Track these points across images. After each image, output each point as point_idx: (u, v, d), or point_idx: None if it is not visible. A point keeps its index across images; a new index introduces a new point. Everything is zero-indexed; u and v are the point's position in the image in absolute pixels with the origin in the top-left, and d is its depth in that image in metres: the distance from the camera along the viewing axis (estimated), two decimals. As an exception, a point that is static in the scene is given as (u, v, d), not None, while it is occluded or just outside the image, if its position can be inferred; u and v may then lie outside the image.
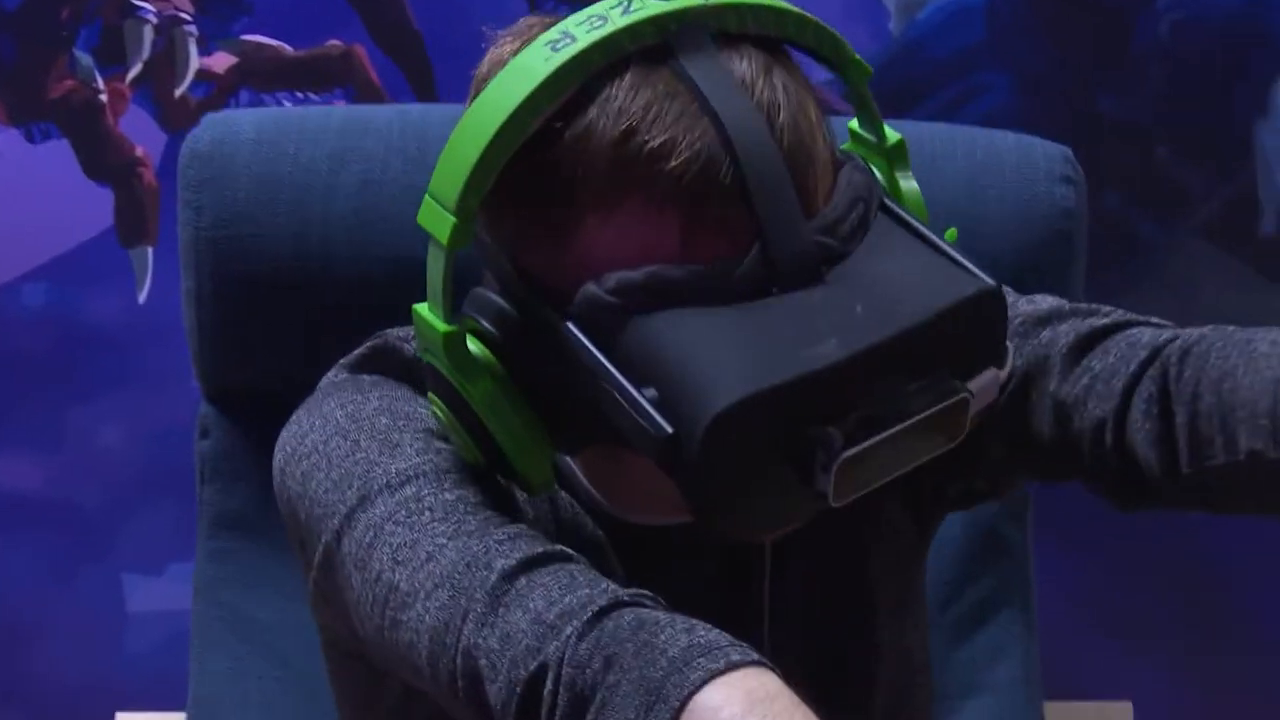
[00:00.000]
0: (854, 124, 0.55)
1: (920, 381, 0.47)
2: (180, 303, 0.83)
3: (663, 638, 0.42)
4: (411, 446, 0.53)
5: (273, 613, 0.86)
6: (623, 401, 0.45)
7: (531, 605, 0.44)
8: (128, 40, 1.06)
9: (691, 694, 0.40)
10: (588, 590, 0.45)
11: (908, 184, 0.55)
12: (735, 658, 0.41)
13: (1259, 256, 1.14)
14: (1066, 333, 0.60)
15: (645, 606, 0.45)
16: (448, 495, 0.51)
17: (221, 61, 1.07)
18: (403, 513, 0.50)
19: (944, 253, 0.51)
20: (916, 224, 0.52)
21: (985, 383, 0.49)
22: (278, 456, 0.59)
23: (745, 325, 0.47)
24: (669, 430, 0.44)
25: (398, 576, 0.49)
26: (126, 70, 1.06)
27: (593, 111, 0.47)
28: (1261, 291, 1.12)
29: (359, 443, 0.54)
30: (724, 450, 0.44)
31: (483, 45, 0.53)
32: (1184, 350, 0.54)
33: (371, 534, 0.50)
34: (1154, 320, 0.59)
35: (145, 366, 1.06)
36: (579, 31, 0.46)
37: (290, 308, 0.81)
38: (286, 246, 0.80)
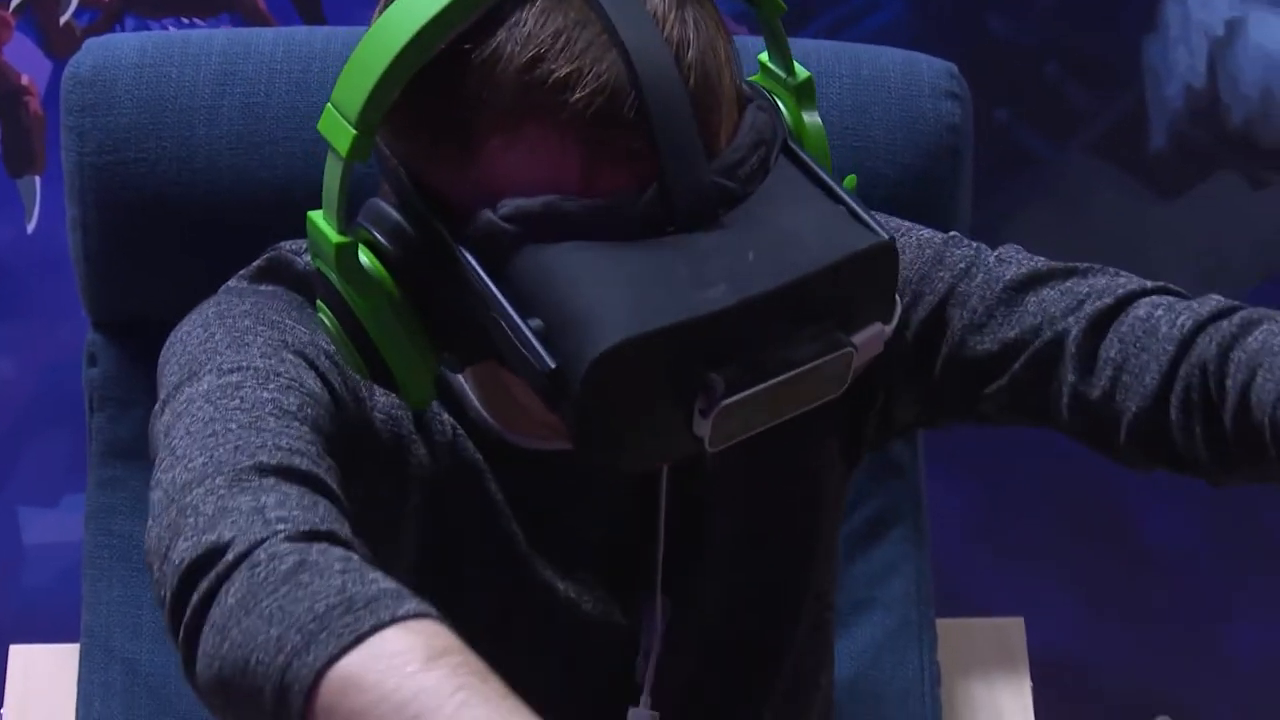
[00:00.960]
0: (764, 57, 0.55)
1: (807, 331, 0.48)
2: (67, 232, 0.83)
3: (368, 575, 0.41)
4: (259, 350, 0.54)
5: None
6: (509, 332, 0.46)
7: (264, 500, 0.44)
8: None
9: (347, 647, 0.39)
10: (323, 514, 0.45)
11: (812, 120, 0.56)
12: (415, 610, 0.41)
13: (1148, 171, 1.16)
14: (1066, 312, 0.60)
15: (355, 550, 0.45)
16: (264, 394, 0.51)
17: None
18: (217, 393, 0.51)
19: (842, 201, 0.52)
20: (818, 169, 0.52)
21: (870, 335, 0.50)
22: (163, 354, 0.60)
23: (636, 263, 0.47)
24: (551, 365, 0.44)
25: (177, 442, 0.49)
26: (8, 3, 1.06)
27: (501, 34, 0.47)
28: (1150, 204, 1.14)
29: (214, 335, 0.54)
30: (606, 388, 0.44)
31: None
32: (1222, 351, 0.54)
33: (184, 405, 0.51)
34: (1149, 286, 0.58)
35: (34, 297, 1.06)
36: None
37: (176, 233, 0.81)
38: (170, 171, 0.80)
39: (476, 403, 0.59)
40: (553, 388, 0.45)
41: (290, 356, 0.54)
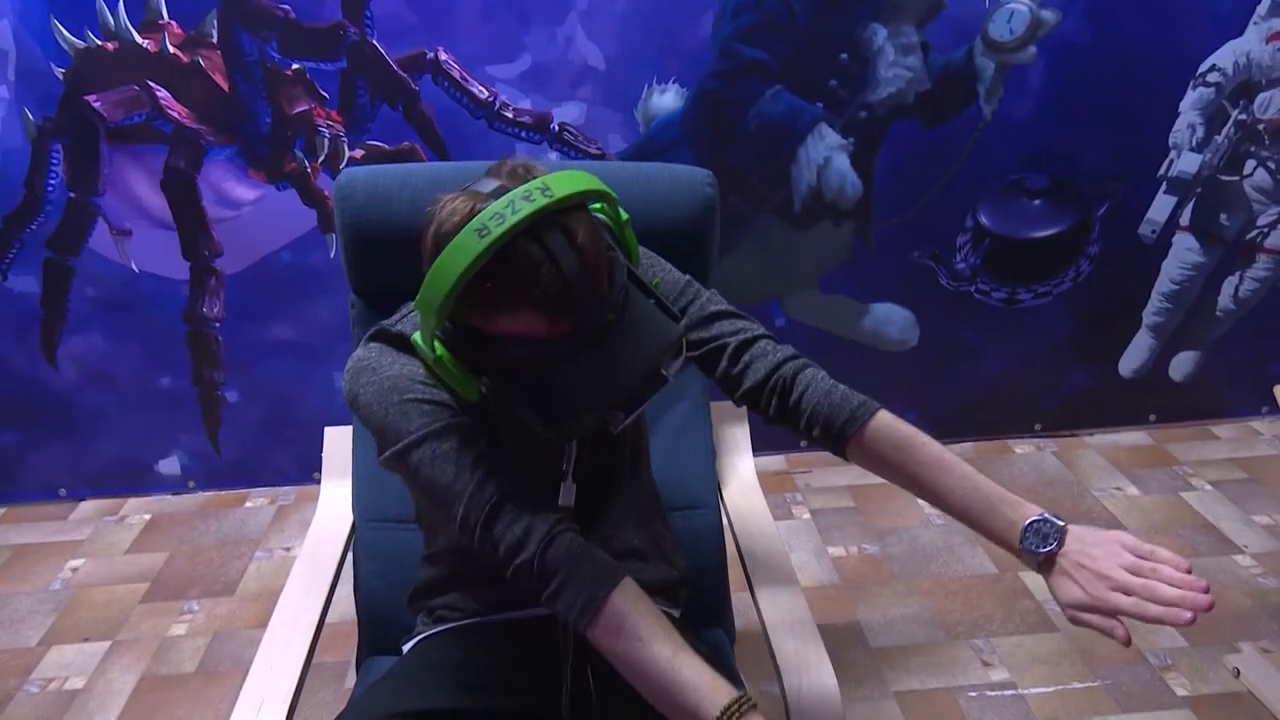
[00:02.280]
0: (620, 213, 0.97)
1: (654, 382, 0.94)
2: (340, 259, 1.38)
3: (585, 562, 0.91)
4: (417, 416, 0.99)
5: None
6: (529, 402, 0.91)
7: (509, 531, 0.95)
8: (316, 145, 2.34)
9: (605, 599, 0.90)
10: (535, 520, 0.95)
11: (630, 237, 0.99)
12: (619, 577, 0.92)
13: (793, 220, 2.44)
14: (729, 333, 1.09)
15: (568, 533, 0.95)
16: (444, 446, 0.98)
17: (358, 154, 2.36)
18: (427, 459, 0.98)
19: (655, 299, 0.95)
20: (641, 280, 0.95)
21: (677, 365, 0.96)
22: (346, 394, 1.05)
23: (578, 370, 0.88)
24: (544, 425, 0.91)
25: (435, 490, 0.97)
26: (318, 158, 2.35)
27: (501, 268, 0.85)
28: (793, 234, 2.45)
29: (385, 409, 1.00)
30: (568, 428, 0.92)
31: (427, 209, 0.92)
32: (794, 374, 1.06)
33: (414, 467, 0.98)
34: (767, 333, 1.10)
35: (334, 281, 2.32)
36: (492, 225, 0.84)
37: (382, 251, 1.34)
38: (379, 223, 1.33)
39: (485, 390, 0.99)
40: (547, 431, 0.91)
41: (426, 408, 1.00)
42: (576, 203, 0.90)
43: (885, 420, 1.04)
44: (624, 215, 0.97)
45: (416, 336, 0.95)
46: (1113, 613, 0.92)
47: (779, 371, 1.07)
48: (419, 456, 0.98)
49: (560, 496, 1.06)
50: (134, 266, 2.40)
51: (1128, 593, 0.91)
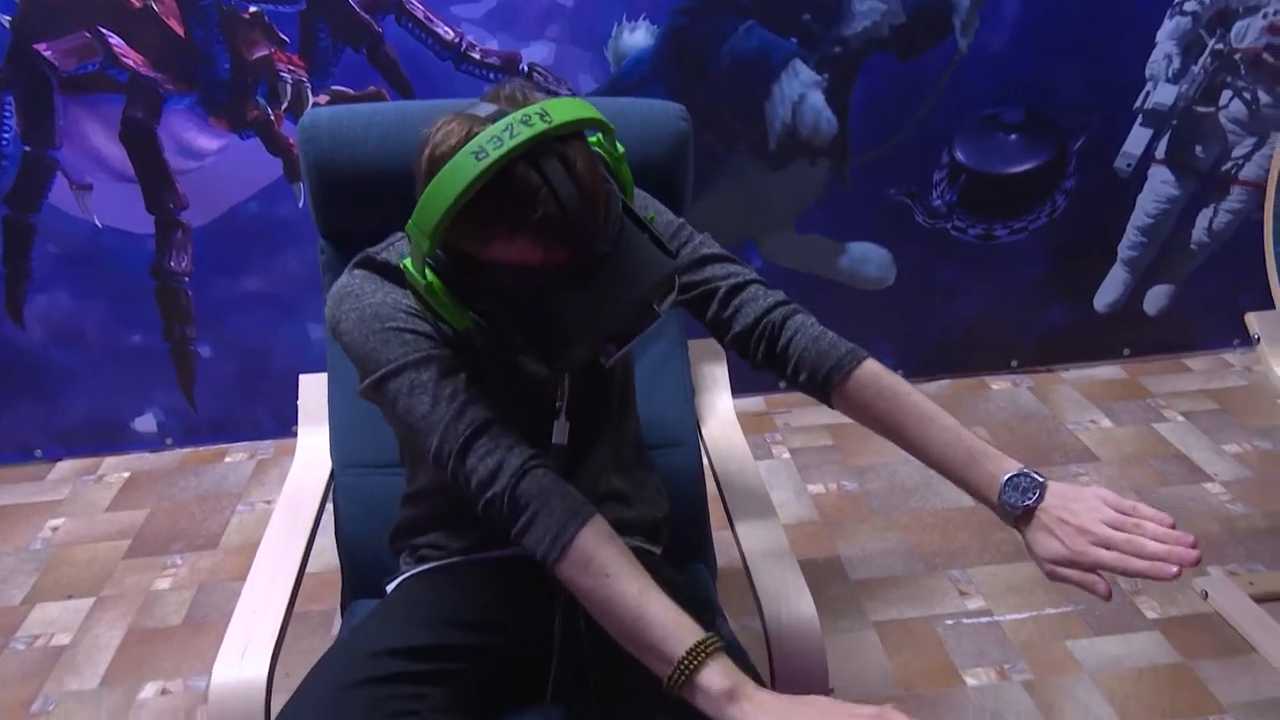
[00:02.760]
0: (617, 147, 0.96)
1: (648, 313, 0.93)
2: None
3: (555, 498, 0.91)
4: (398, 345, 0.98)
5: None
6: (522, 330, 0.91)
7: (482, 464, 0.93)
8: (279, 91, 2.29)
9: (574, 536, 0.90)
10: (507, 454, 0.93)
11: (625, 171, 0.97)
12: (589, 514, 0.92)
13: (768, 159, 2.42)
14: (721, 277, 1.08)
15: (540, 469, 0.92)
16: (423, 377, 0.97)
17: (322, 99, 2.31)
18: (405, 389, 0.97)
19: (650, 233, 0.93)
20: (639, 217, 0.94)
21: (669, 300, 0.96)
22: (329, 320, 1.03)
23: (572, 299, 0.88)
24: (544, 351, 0.90)
25: (411, 420, 0.97)
26: (281, 104, 2.29)
27: (497, 192, 0.84)
28: (768, 173, 2.44)
29: (367, 336, 0.99)
30: (566, 358, 0.91)
31: (421, 131, 0.90)
32: (783, 320, 1.06)
33: (392, 397, 0.98)
34: (758, 278, 1.09)
35: (304, 228, 2.31)
36: (490, 148, 0.83)
37: (348, 193, 1.33)
38: (345, 165, 1.32)
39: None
40: (536, 355, 0.91)
41: (408, 337, 0.98)
42: (575, 130, 0.88)
43: (871, 369, 1.04)
44: (620, 149, 0.96)
45: (407, 263, 0.93)
46: (1093, 567, 0.91)
47: (768, 316, 1.07)
48: (397, 386, 0.97)
49: (554, 434, 1.06)
50: (97, 221, 2.36)
51: (1109, 547, 0.90)
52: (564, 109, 0.87)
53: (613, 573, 0.89)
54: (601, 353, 0.94)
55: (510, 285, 0.89)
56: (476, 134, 0.85)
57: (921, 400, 1.02)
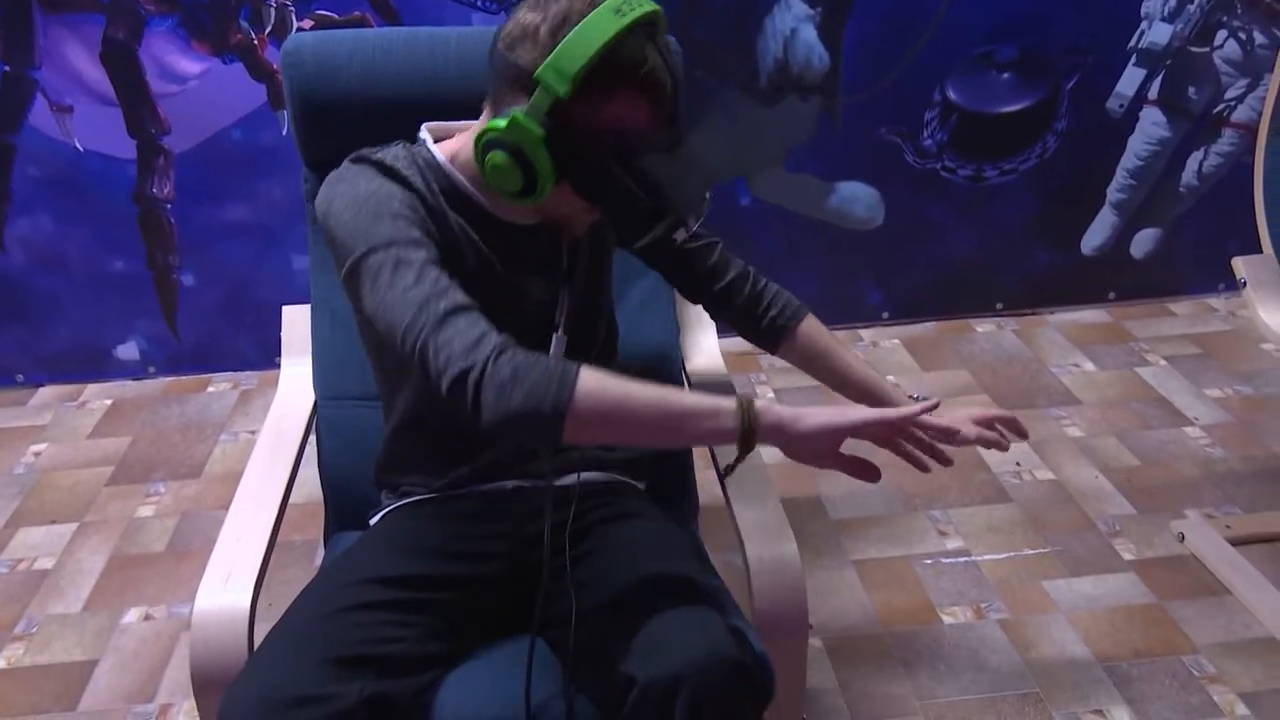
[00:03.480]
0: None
1: (704, 202, 1.01)
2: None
3: (542, 360, 0.87)
4: (389, 224, 0.95)
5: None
6: (623, 180, 0.95)
7: (459, 336, 0.87)
8: (263, 15, 2.24)
9: (577, 374, 0.86)
10: (488, 331, 0.88)
11: None
12: (580, 364, 0.87)
13: (759, 95, 2.39)
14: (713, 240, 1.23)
15: (523, 350, 0.88)
16: (411, 256, 0.92)
17: (306, 24, 2.26)
18: (390, 263, 0.92)
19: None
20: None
21: (707, 204, 1.02)
22: (319, 203, 1.00)
23: (669, 164, 0.97)
24: (642, 211, 0.96)
25: (390, 295, 0.90)
26: (264, 29, 2.25)
27: (628, 53, 0.92)
28: (759, 110, 2.40)
29: (358, 214, 0.96)
30: (651, 224, 0.97)
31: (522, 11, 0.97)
32: (767, 300, 1.24)
33: (374, 270, 0.92)
34: (749, 269, 1.25)
35: (289, 155, 2.30)
36: (626, 8, 0.91)
37: (333, 119, 1.31)
38: (331, 91, 1.30)
39: (483, 201, 1.04)
40: (647, 214, 0.96)
41: (401, 221, 0.95)
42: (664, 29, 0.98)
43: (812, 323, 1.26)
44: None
45: (518, 113, 0.94)
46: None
47: (763, 293, 1.26)
48: (380, 260, 0.91)
49: (552, 348, 1.07)
50: (78, 144, 2.32)
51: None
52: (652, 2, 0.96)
53: (630, 388, 0.89)
54: (683, 224, 0.99)
55: (615, 145, 0.95)
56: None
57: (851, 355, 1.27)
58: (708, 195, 1.02)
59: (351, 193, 0.97)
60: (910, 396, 1.26)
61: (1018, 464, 2.16)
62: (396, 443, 1.20)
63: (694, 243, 1.21)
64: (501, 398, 0.84)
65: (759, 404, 0.93)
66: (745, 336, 1.27)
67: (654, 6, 0.94)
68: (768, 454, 2.20)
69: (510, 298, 1.06)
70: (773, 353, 1.27)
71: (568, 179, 0.97)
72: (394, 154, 1.04)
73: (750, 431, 0.92)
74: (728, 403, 0.92)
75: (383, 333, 0.91)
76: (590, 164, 0.96)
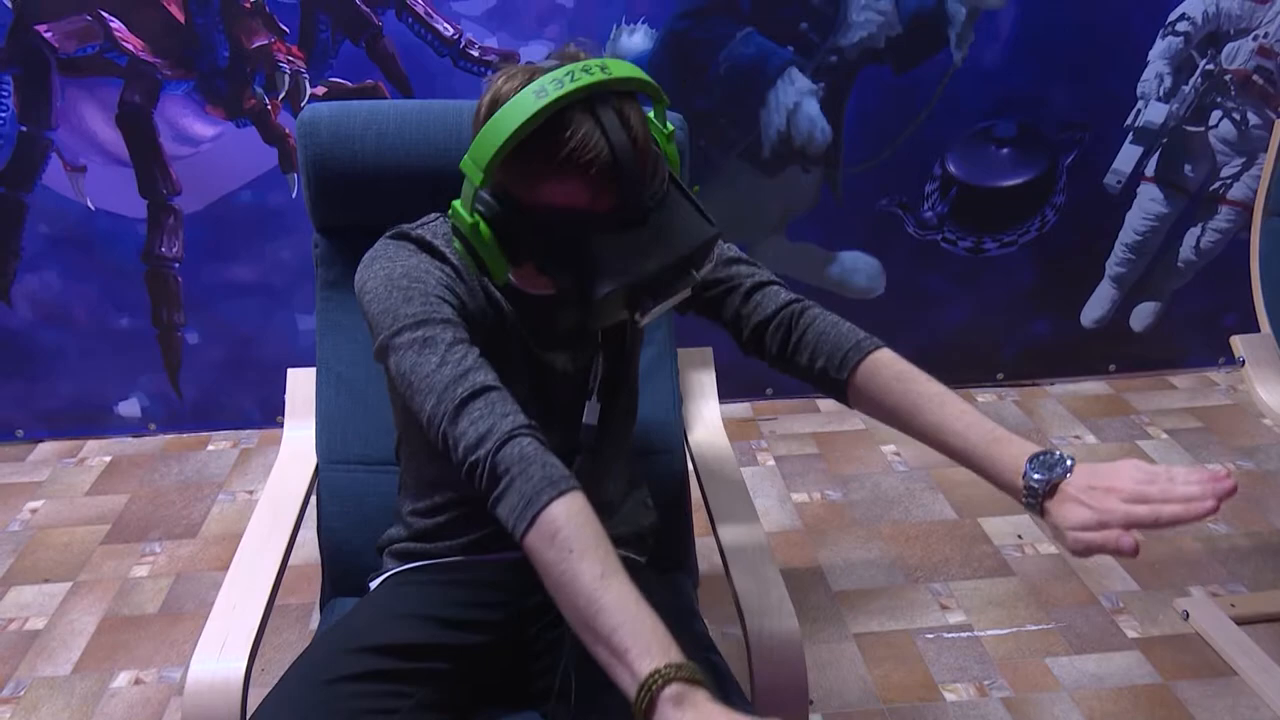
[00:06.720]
0: (666, 124, 0.97)
1: (684, 277, 0.93)
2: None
3: (535, 466, 0.84)
4: (420, 303, 0.95)
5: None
6: (558, 263, 0.91)
7: (473, 427, 0.88)
8: (277, 81, 2.29)
9: (546, 505, 0.82)
10: (499, 420, 0.87)
11: (671, 150, 0.97)
12: (567, 487, 0.83)
13: (761, 166, 2.43)
14: (745, 275, 1.10)
15: (528, 438, 0.86)
16: (439, 335, 0.93)
17: (319, 90, 2.31)
18: (418, 344, 0.93)
19: (694, 204, 0.95)
20: (683, 186, 0.96)
21: (708, 268, 0.97)
22: (356, 281, 1.01)
23: (615, 244, 0.89)
24: (582, 293, 0.88)
25: (415, 378, 0.92)
26: (278, 94, 2.29)
27: (553, 132, 0.87)
28: (761, 180, 2.44)
29: (390, 291, 0.97)
30: (602, 307, 0.90)
31: (486, 79, 1.16)
32: (801, 311, 1.07)
33: (403, 350, 0.93)
34: (776, 278, 1.11)
35: (299, 220, 2.28)
36: (550, 88, 0.87)
37: (343, 189, 1.34)
38: (344, 161, 1.32)
39: (514, 281, 1.03)
40: (577, 300, 0.90)
41: (433, 299, 0.96)
42: (631, 89, 0.91)
43: (887, 355, 1.03)
44: (670, 127, 0.98)
45: (457, 204, 0.94)
46: (1125, 523, 0.82)
47: (787, 309, 1.08)
48: (410, 338, 0.93)
49: (585, 414, 1.06)
50: (89, 204, 2.34)
51: (1141, 503, 0.83)
52: (624, 68, 0.90)
53: (576, 549, 0.80)
54: (640, 308, 0.93)
55: (556, 225, 0.91)
56: (539, 79, 0.89)
57: (939, 385, 0.99)
58: (698, 271, 0.95)
59: (388, 270, 0.99)
60: (1051, 451, 0.92)
61: (1019, 536, 2.15)
62: (423, 499, 1.18)
63: (713, 290, 1.11)
64: (494, 495, 0.87)
65: (670, 690, 0.76)
66: (810, 379, 1.09)
67: (595, 78, 0.87)
68: (768, 521, 2.21)
69: (541, 365, 1.07)
70: (842, 398, 1.07)
71: (530, 260, 0.95)
72: (432, 229, 1.06)
73: (644, 708, 0.76)
74: (644, 663, 0.77)
75: (414, 412, 0.93)
76: (538, 245, 0.93)
